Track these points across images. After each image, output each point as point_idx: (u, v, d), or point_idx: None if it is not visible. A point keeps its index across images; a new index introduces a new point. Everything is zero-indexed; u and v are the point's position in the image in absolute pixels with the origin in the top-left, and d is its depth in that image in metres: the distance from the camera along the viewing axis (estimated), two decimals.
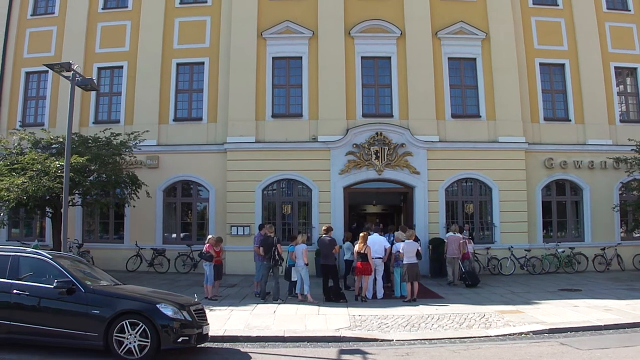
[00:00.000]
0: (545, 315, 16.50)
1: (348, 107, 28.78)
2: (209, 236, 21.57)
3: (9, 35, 31.37)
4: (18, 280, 12.29)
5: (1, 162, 24.18)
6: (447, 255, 24.28)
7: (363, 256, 19.77)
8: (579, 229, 29.95)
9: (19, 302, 12.03)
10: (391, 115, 28.93)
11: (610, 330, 14.84)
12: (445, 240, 24.88)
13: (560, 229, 30.17)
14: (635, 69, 31.01)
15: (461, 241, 24.06)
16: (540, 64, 30.22)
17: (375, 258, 20.26)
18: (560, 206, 30.17)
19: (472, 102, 29.49)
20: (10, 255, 12.89)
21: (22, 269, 12.55)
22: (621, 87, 31.22)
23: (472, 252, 25.21)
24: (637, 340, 13.61)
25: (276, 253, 19.89)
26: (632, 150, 27.06)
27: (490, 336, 14.39)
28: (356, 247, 20.32)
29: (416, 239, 21.56)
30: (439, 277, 25.90)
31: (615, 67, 30.67)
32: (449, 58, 29.53)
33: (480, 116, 29.15)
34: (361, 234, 20.48)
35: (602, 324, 15.23)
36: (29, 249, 14.25)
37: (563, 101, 30.29)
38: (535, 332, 14.62)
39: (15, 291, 12.04)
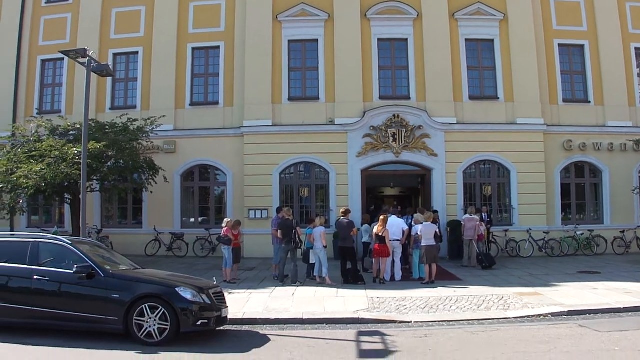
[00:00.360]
0: (564, 298, 16.43)
1: (365, 90, 28.67)
2: (226, 219, 21.62)
3: (24, 24, 31.43)
4: (38, 266, 12.38)
5: (19, 150, 24.35)
6: (465, 237, 24.25)
7: (381, 238, 19.74)
8: (598, 211, 29.81)
9: (39, 288, 12.13)
10: (408, 97, 28.80)
11: (630, 313, 14.72)
12: (462, 222, 24.78)
13: (579, 211, 30.02)
14: None
15: (477, 223, 24.03)
16: (559, 45, 29.87)
17: (393, 240, 20.26)
18: (579, 188, 30.01)
19: (490, 83, 29.27)
20: (30, 241, 13.01)
21: (42, 255, 12.64)
22: None
23: (485, 234, 25.08)
24: None
25: (296, 236, 19.93)
26: None
27: (509, 318, 14.36)
28: (374, 230, 20.30)
29: (434, 221, 21.50)
30: (457, 259, 25.82)
31: (636, 48, 30.21)
32: (466, 39, 29.30)
33: (498, 98, 28.96)
34: (381, 217, 20.42)
35: (621, 307, 15.13)
36: (49, 235, 14.34)
37: (582, 82, 29.98)
38: (553, 314, 14.56)
39: (35, 277, 12.13)
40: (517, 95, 28.71)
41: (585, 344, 11.41)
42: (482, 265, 23.39)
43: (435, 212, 25.22)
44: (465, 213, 25.39)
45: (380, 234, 19.71)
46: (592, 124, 29.42)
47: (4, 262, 12.54)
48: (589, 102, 29.69)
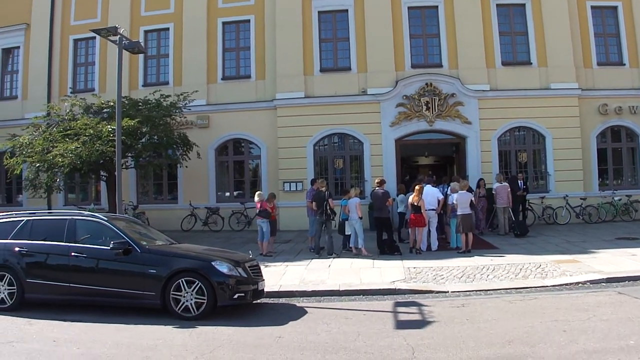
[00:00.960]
0: (602, 265, 16.29)
1: (396, 59, 28.48)
2: (258, 192, 21.72)
3: (55, 4, 31.70)
4: (75, 243, 12.56)
5: (55, 129, 24.59)
6: (497, 205, 24.12)
7: (416, 208, 19.72)
8: (636, 176, 29.45)
9: (77, 265, 12.32)
10: (440, 65, 28.57)
11: None
12: (494, 191, 24.58)
13: (616, 176, 29.65)
14: None
15: (508, 190, 23.89)
16: (592, 7, 29.27)
17: (429, 210, 20.23)
18: (616, 153, 29.58)
19: (523, 49, 28.89)
20: (67, 219, 13.21)
21: (79, 232, 12.83)
22: None
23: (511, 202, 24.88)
24: None
25: (328, 207, 19.91)
26: None
27: (547, 286, 14.29)
28: (410, 199, 20.26)
29: (470, 190, 21.40)
30: (493, 227, 25.74)
31: None
32: (497, 5, 28.87)
33: (532, 63, 28.59)
34: (416, 187, 20.40)
35: None
36: (85, 212, 14.49)
37: (616, 45, 29.42)
38: (592, 282, 14.46)
39: (73, 254, 12.32)
40: (551, 60, 28.30)
41: (624, 311, 11.30)
42: (514, 233, 23.36)
43: (481, 179, 25.29)
44: (496, 182, 25.19)
45: (416, 204, 19.68)
46: (627, 87, 28.89)
47: (42, 240, 12.73)
48: (624, 64, 29.15)
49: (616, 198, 27.68)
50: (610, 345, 9.00)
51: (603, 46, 29.36)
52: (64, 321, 11.51)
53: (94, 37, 29.15)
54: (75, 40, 31.67)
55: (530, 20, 28.79)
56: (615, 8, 29.44)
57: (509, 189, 23.94)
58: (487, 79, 28.22)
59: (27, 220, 13.44)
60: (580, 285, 14.29)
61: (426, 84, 27.88)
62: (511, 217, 24.00)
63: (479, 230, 23.67)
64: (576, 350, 8.78)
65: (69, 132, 23.53)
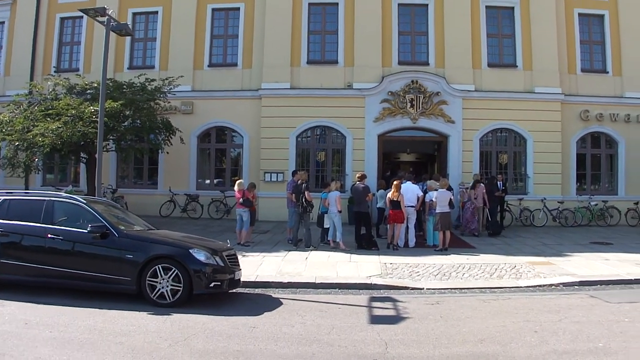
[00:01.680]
0: (576, 268, 16.50)
1: (384, 55, 28.52)
2: (238, 181, 21.68)
3: None
4: (52, 224, 12.50)
5: (36, 108, 24.39)
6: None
7: (396, 204, 19.84)
8: (613, 182, 29.71)
9: (53, 247, 12.26)
10: (427, 64, 28.63)
11: None
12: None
13: (594, 182, 29.96)
14: None
15: (484, 191, 24.06)
16: (579, 14, 29.55)
17: (408, 206, 20.33)
18: (595, 159, 29.91)
19: (509, 51, 29.06)
20: (44, 200, 13.13)
21: (57, 214, 12.78)
22: None
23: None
24: None
25: (304, 200, 19.94)
26: None
27: (521, 287, 14.47)
28: (389, 195, 20.36)
29: (449, 188, 21.49)
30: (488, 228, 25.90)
31: None
32: (486, 6, 29.01)
33: (517, 66, 28.75)
34: (394, 182, 20.52)
35: (633, 278, 15.22)
36: (63, 194, 14.43)
37: (601, 52, 29.70)
38: (565, 284, 14.66)
39: (49, 235, 12.26)
40: (536, 64, 28.49)
41: (595, 314, 11.45)
42: (487, 232, 23.70)
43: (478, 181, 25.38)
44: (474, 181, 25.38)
45: (395, 199, 19.79)
46: (609, 94, 29.18)
47: (18, 220, 12.66)
48: (607, 72, 29.44)
49: (593, 203, 27.96)
50: (580, 347, 9.14)
51: (588, 53, 29.62)
52: (37, 304, 11.47)
53: (81, 17, 28.76)
54: (62, 19, 31.36)
55: (518, 24, 28.94)
56: (602, 16, 29.71)
57: (485, 190, 24.11)
58: (473, 80, 28.34)
59: (4, 199, 13.31)
60: (553, 287, 14.50)
61: (412, 81, 27.93)
62: (488, 217, 24.16)
63: (471, 231, 23.82)
64: (546, 351, 8.91)
65: (50, 111, 23.32)
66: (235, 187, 21.18)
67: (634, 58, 29.14)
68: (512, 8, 29.11)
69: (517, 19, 28.98)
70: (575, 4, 29.48)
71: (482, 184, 24.31)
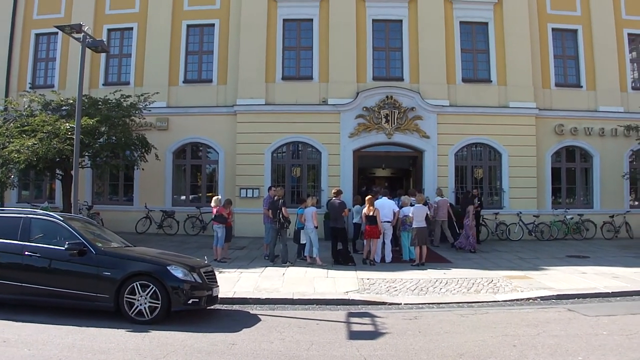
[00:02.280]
0: (553, 282, 16.60)
1: (358, 70, 28.64)
2: (215, 197, 21.67)
3: None
4: (29, 242, 12.39)
5: (12, 124, 24.26)
6: (437, 218, 24.66)
7: (371, 219, 19.87)
8: (588, 196, 29.94)
9: (30, 264, 12.15)
10: (402, 79, 28.79)
11: (618, 298, 14.93)
12: (435, 204, 24.86)
13: (569, 195, 30.18)
14: None
15: (448, 205, 24.42)
16: (553, 29, 29.93)
17: (384, 222, 20.35)
18: (570, 173, 30.13)
19: (484, 66, 29.30)
20: (21, 217, 13.00)
21: (33, 231, 12.66)
22: (634, 54, 30.88)
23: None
24: None
25: (281, 215, 19.93)
26: None
27: (498, 301, 14.51)
28: (364, 210, 20.40)
29: (425, 203, 21.57)
30: (447, 241, 25.98)
31: (629, 34, 30.34)
32: (460, 22, 29.28)
33: (491, 81, 28.99)
34: (367, 197, 20.62)
35: (610, 291, 15.33)
36: (40, 211, 14.32)
37: (575, 67, 30.05)
38: (543, 298, 14.73)
39: (26, 253, 12.15)
40: (510, 79, 28.75)
41: (573, 328, 11.50)
42: (451, 244, 24.45)
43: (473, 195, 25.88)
44: (438, 195, 25.70)
45: (371, 214, 19.83)
46: (583, 108, 29.51)
47: None
48: (581, 86, 29.77)
49: (568, 217, 28.17)
50: None
51: (562, 68, 29.95)
52: (15, 321, 11.36)
53: (56, 33, 28.64)
54: (37, 35, 31.20)
55: (492, 39, 29.22)
56: (575, 31, 30.08)
57: (449, 203, 24.38)
58: (447, 95, 28.52)
59: None
60: (531, 301, 14.55)
61: (387, 96, 28.05)
62: (456, 229, 24.42)
63: (468, 248, 23.77)
64: None
65: (26, 128, 23.20)
66: (212, 203, 21.14)
67: (608, 72, 29.55)
68: (486, 24, 29.38)
69: (491, 35, 29.26)
70: (548, 19, 29.84)
71: (445, 198, 24.70)
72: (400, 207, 21.39)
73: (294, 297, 14.55)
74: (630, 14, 30.27)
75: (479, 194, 26.94)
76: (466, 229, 23.74)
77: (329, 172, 28.27)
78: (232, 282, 16.14)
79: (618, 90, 29.65)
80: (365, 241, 20.66)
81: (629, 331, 11.10)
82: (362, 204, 22.30)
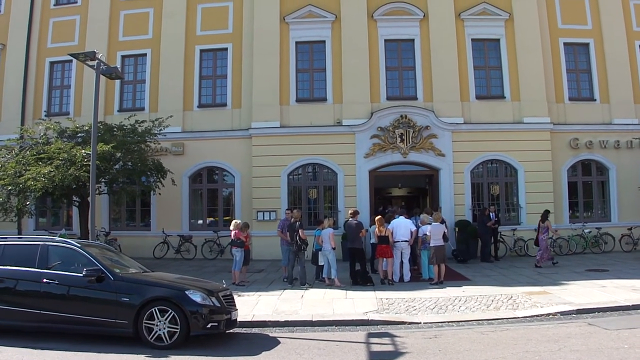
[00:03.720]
0: (573, 296, 16.49)
1: (372, 91, 28.72)
2: (234, 221, 21.64)
3: (33, 26, 31.56)
4: (47, 269, 12.40)
5: (28, 152, 24.37)
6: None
7: (382, 239, 19.94)
8: (606, 209, 29.80)
9: (48, 291, 12.15)
10: (415, 98, 28.82)
11: (638, 310, 14.79)
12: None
13: (586, 209, 30.05)
14: None
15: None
16: (565, 43, 29.92)
17: (402, 241, 20.31)
18: (587, 186, 30.03)
19: (497, 83, 29.30)
20: (39, 244, 13.02)
21: (51, 258, 12.66)
22: None
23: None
24: None
25: (298, 238, 19.93)
26: None
27: (518, 317, 14.42)
28: (375, 231, 20.54)
29: (442, 222, 21.49)
30: (466, 258, 25.95)
31: None
32: (472, 39, 29.34)
33: (505, 97, 28.97)
34: (377, 218, 20.80)
35: (630, 304, 15.19)
36: (58, 238, 14.36)
37: (588, 81, 30.03)
38: (562, 313, 14.61)
39: (45, 280, 12.17)
40: (524, 94, 28.72)
41: (594, 342, 11.43)
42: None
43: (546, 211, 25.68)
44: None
45: (382, 234, 19.87)
46: (598, 121, 29.45)
47: (13, 265, 12.57)
48: (595, 100, 29.71)
49: (586, 230, 28.02)
50: None
51: (575, 82, 29.91)
52: (34, 349, 11.38)
53: (71, 60, 29.14)
54: (52, 63, 31.53)
55: (504, 55, 29.24)
56: (587, 45, 30.04)
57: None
58: (461, 112, 28.52)
59: None
60: (551, 316, 14.46)
61: (401, 116, 28.10)
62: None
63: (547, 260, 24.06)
64: None
65: (42, 155, 23.34)
66: (231, 227, 21.16)
67: (621, 84, 29.48)
68: (498, 40, 29.40)
69: (503, 51, 29.28)
70: (560, 33, 29.84)
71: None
72: (420, 226, 21.34)
73: (313, 319, 14.51)
74: None
75: (495, 211, 26.88)
76: (542, 244, 24.06)
77: (345, 192, 28.28)
78: (251, 306, 16.10)
79: (632, 102, 29.55)
80: (378, 260, 20.76)
81: None
82: None
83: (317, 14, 29.34)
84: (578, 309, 14.81)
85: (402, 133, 27.98)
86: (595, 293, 16.96)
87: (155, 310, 11.68)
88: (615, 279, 19.42)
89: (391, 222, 20.69)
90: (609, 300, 15.87)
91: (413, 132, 27.99)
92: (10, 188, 23.17)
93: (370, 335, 12.91)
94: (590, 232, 28.04)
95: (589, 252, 27.60)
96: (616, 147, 29.24)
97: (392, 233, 20.18)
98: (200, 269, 24.05)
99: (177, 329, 11.60)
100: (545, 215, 24.80)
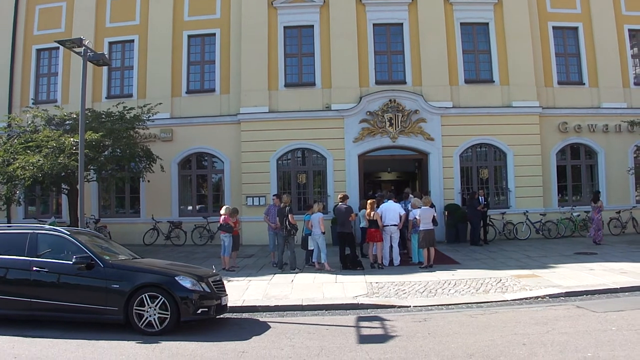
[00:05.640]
0: (562, 279, 16.56)
1: (361, 75, 28.73)
2: (225, 207, 21.61)
3: (19, 13, 31.34)
4: (37, 257, 12.37)
5: (16, 141, 24.31)
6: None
7: (372, 223, 19.96)
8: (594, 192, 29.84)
9: (38, 279, 12.13)
10: (404, 82, 28.83)
11: (626, 293, 14.88)
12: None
13: (575, 192, 30.18)
14: None
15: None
16: (554, 27, 29.98)
17: (391, 225, 20.34)
18: (575, 170, 30.18)
19: (486, 67, 29.34)
20: (28, 232, 12.97)
21: (41, 246, 12.62)
22: (635, 49, 30.90)
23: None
24: None
25: (287, 222, 19.94)
26: None
27: (507, 300, 14.47)
28: (365, 214, 20.63)
29: (432, 206, 21.52)
30: (455, 242, 26.05)
31: (629, 30, 30.39)
32: (461, 23, 29.34)
33: (494, 81, 29.01)
34: (368, 201, 20.79)
35: (618, 287, 15.28)
36: (47, 226, 14.32)
37: (577, 65, 30.11)
38: (551, 296, 14.68)
39: (34, 268, 12.13)
40: (513, 78, 28.77)
41: (582, 324, 11.50)
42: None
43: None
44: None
45: (371, 218, 19.92)
46: (587, 105, 29.56)
47: (2, 254, 12.53)
48: (584, 84, 29.80)
49: (575, 214, 28.19)
50: (569, 357, 9.20)
51: (564, 66, 30.00)
52: (25, 337, 11.37)
53: (58, 48, 28.99)
54: (38, 50, 31.35)
55: (493, 39, 29.25)
56: (575, 29, 30.12)
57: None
58: (450, 96, 28.56)
59: None
60: (539, 299, 14.51)
61: (390, 100, 28.11)
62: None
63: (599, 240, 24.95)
64: None
65: (30, 144, 23.28)
66: (222, 211, 21.14)
67: (610, 69, 29.59)
68: (487, 24, 29.42)
69: (492, 35, 29.29)
70: (549, 17, 29.89)
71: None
72: (409, 210, 21.36)
73: (303, 304, 14.53)
74: (631, 10, 30.30)
75: (484, 194, 26.98)
76: (597, 222, 24.98)
77: (335, 177, 28.33)
78: (241, 291, 16.13)
79: (620, 87, 29.66)
80: (369, 244, 20.83)
81: (638, 326, 11.09)
82: None
83: None
84: (567, 292, 14.89)
85: (391, 117, 28.01)
86: (584, 276, 17.03)
87: (145, 296, 11.67)
88: (603, 262, 19.51)
89: (380, 206, 20.69)
90: (597, 283, 15.93)
91: (402, 116, 28.01)
92: None
93: (360, 319, 12.94)
94: (579, 215, 28.17)
95: (577, 236, 27.77)
96: (604, 131, 29.34)
97: (380, 217, 20.21)
98: (190, 255, 24.08)
99: (167, 315, 11.61)
100: (597, 195, 25.54)
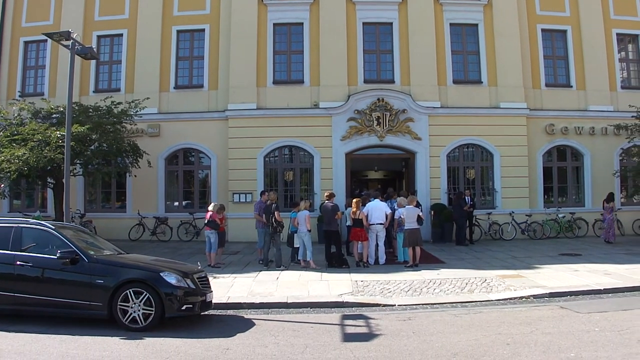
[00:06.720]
0: (546, 280, 16.63)
1: (349, 73, 28.72)
2: (213, 204, 21.60)
3: (7, 4, 31.09)
4: (21, 251, 12.30)
5: (1, 133, 24.10)
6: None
7: (357, 222, 19.97)
8: (580, 194, 30.13)
9: (22, 274, 12.07)
10: (393, 81, 28.87)
11: (610, 294, 14.96)
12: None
13: (561, 194, 30.33)
14: (636, 35, 31.03)
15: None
16: (542, 30, 30.13)
17: (377, 224, 20.37)
18: (561, 172, 30.31)
19: (474, 68, 29.41)
20: (12, 226, 12.89)
21: (25, 240, 12.54)
22: (622, 53, 31.15)
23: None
24: (636, 303, 13.70)
25: (274, 220, 19.92)
26: (632, 116, 27.11)
27: (492, 300, 14.52)
28: (350, 212, 20.64)
29: (417, 205, 21.54)
30: (441, 242, 26.11)
31: (617, 34, 30.63)
32: (450, 24, 29.41)
33: (482, 82, 29.09)
34: (354, 200, 20.79)
35: (602, 288, 15.36)
36: (32, 220, 14.25)
37: (565, 67, 30.25)
38: (535, 296, 14.74)
39: (18, 262, 12.06)
40: (501, 80, 28.87)
41: (566, 325, 11.56)
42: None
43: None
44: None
45: (356, 217, 19.94)
46: (574, 108, 29.73)
47: None
48: (571, 86, 29.95)
49: (560, 215, 28.36)
50: (552, 357, 9.24)
51: (552, 68, 30.14)
52: (7, 332, 11.28)
53: (46, 40, 28.74)
54: (26, 43, 31.12)
55: (482, 41, 29.36)
56: (564, 32, 30.28)
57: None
58: (438, 96, 28.62)
59: None
60: (524, 299, 14.59)
61: (378, 99, 28.14)
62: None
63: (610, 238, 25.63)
64: None
65: (16, 137, 23.10)
66: (209, 207, 21.12)
67: (598, 72, 29.75)
68: (476, 25, 29.50)
69: (481, 36, 29.40)
70: (538, 20, 30.01)
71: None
72: (395, 209, 21.38)
73: (288, 301, 14.53)
74: (619, 14, 30.48)
75: (471, 195, 27.06)
76: (609, 222, 25.61)
77: (322, 175, 28.33)
78: (226, 287, 16.09)
79: (608, 90, 29.85)
80: (353, 243, 20.87)
81: (620, 327, 11.15)
82: None
83: None
84: (551, 292, 14.96)
85: (379, 116, 28.03)
86: (568, 277, 17.12)
87: (130, 292, 11.63)
88: (587, 263, 19.61)
89: (366, 205, 20.71)
90: (581, 284, 16.02)
91: (390, 115, 28.03)
92: None
93: (345, 317, 12.95)
94: (564, 216, 28.34)
95: (562, 237, 27.91)
96: (591, 133, 29.50)
97: (366, 216, 20.23)
98: (176, 251, 24.00)
99: (151, 311, 11.57)
100: (610, 196, 25.92)
